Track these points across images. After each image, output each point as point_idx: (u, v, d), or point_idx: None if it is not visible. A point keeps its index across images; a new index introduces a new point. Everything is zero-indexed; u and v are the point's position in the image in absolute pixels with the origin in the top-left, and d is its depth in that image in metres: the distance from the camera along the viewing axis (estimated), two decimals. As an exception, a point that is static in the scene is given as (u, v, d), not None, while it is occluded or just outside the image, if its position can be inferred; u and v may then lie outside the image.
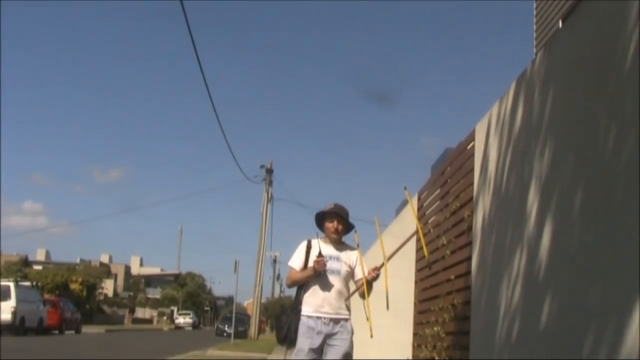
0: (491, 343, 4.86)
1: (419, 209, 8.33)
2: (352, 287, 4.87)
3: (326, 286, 4.74)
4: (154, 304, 74.93)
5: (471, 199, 5.77)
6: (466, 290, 5.80)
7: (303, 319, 4.77)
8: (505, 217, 4.76)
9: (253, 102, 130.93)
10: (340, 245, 4.90)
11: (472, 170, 5.82)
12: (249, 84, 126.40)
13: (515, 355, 4.37)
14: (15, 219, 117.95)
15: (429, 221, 7.64)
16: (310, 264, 4.81)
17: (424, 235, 6.48)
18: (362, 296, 4.75)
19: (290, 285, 4.99)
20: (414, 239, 4.76)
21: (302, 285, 4.89)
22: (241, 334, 33.43)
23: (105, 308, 56.03)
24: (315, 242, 4.92)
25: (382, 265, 4.71)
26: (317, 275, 4.71)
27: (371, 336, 4.75)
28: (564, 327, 3.61)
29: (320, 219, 4.94)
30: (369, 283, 4.69)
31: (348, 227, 4.92)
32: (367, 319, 4.76)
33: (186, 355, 15.49)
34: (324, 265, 4.67)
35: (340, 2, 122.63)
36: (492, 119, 5.27)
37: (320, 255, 4.67)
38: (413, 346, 8.15)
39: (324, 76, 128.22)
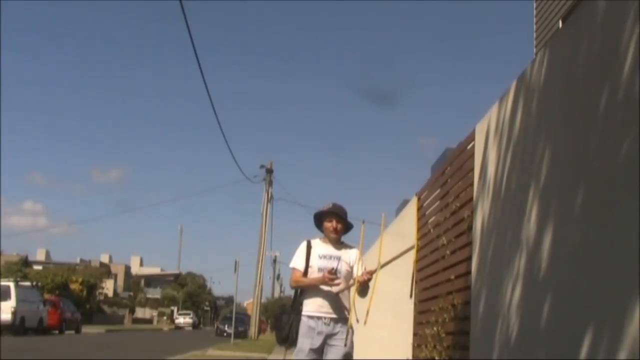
0: (491, 343, 4.86)
1: (419, 209, 8.33)
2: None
3: (327, 287, 4.75)
4: (154, 304, 74.93)
5: (471, 199, 5.77)
6: (466, 290, 5.80)
7: (304, 319, 4.77)
8: (505, 216, 4.76)
9: (253, 102, 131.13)
10: (339, 244, 4.90)
11: (472, 170, 5.81)
12: (248, 84, 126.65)
13: (515, 355, 4.37)
14: (15, 219, 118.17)
15: (429, 221, 7.64)
16: (312, 263, 4.81)
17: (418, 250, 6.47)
18: (360, 295, 4.76)
19: (294, 287, 5.00)
20: (409, 251, 4.83)
21: (302, 286, 4.90)
22: (241, 334, 33.46)
23: (105, 308, 56.05)
24: (315, 242, 4.93)
25: (376, 270, 4.73)
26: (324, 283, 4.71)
27: (357, 320, 4.75)
28: (564, 327, 3.61)
29: (319, 219, 4.94)
30: (361, 284, 4.70)
31: (347, 227, 4.92)
32: (367, 312, 4.76)
33: (186, 355, 15.50)
34: (334, 282, 4.67)
35: (340, 2, 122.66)
36: (492, 119, 5.27)
37: (332, 271, 4.67)
38: (413, 346, 8.15)
39: (324, 76, 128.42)
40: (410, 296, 7.57)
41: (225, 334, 35.46)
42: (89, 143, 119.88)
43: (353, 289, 4.73)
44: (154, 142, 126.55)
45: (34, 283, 29.84)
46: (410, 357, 8.14)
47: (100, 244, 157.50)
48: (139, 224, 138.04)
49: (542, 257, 3.94)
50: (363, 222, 4.96)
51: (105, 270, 66.22)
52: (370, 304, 4.74)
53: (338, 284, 4.70)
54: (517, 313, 4.36)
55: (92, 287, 48.91)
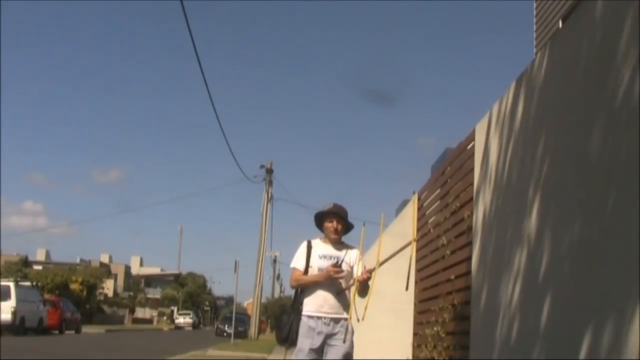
0: (491, 343, 4.86)
1: (419, 209, 8.33)
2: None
3: (327, 286, 4.74)
4: (154, 304, 74.89)
5: (471, 199, 5.77)
6: (466, 290, 5.80)
7: (304, 319, 4.77)
8: (505, 217, 4.76)
9: (253, 102, 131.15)
10: (339, 244, 4.90)
11: (472, 170, 5.82)
12: (249, 84, 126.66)
13: (515, 355, 4.37)
14: (15, 219, 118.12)
15: (429, 221, 7.64)
16: (312, 263, 4.81)
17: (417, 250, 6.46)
18: (360, 294, 4.76)
19: (295, 287, 4.98)
20: (407, 246, 4.85)
21: (302, 285, 4.89)
22: (241, 334, 33.45)
23: (105, 308, 56.00)
24: (315, 242, 4.92)
25: (374, 269, 4.73)
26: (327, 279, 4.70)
27: (358, 320, 4.75)
28: (564, 327, 3.61)
29: (320, 219, 4.94)
30: (361, 283, 4.70)
31: (347, 227, 4.92)
32: (365, 307, 4.75)
33: (186, 355, 15.49)
34: (339, 275, 4.67)
35: (340, 2, 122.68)
36: (492, 119, 5.28)
37: (336, 264, 4.66)
38: (413, 346, 8.15)
39: (324, 76, 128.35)
40: (406, 289, 7.56)
41: (225, 334, 35.43)
42: (89, 143, 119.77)
43: (353, 289, 4.73)
44: (154, 142, 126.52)
45: (34, 283, 29.85)
46: (410, 357, 8.14)
47: (100, 244, 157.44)
48: (139, 224, 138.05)
49: (542, 257, 3.94)
50: (364, 224, 4.96)
51: (105, 270, 66.15)
52: (368, 302, 4.74)
53: (343, 277, 4.70)
54: (517, 313, 4.36)
55: (92, 287, 48.86)
